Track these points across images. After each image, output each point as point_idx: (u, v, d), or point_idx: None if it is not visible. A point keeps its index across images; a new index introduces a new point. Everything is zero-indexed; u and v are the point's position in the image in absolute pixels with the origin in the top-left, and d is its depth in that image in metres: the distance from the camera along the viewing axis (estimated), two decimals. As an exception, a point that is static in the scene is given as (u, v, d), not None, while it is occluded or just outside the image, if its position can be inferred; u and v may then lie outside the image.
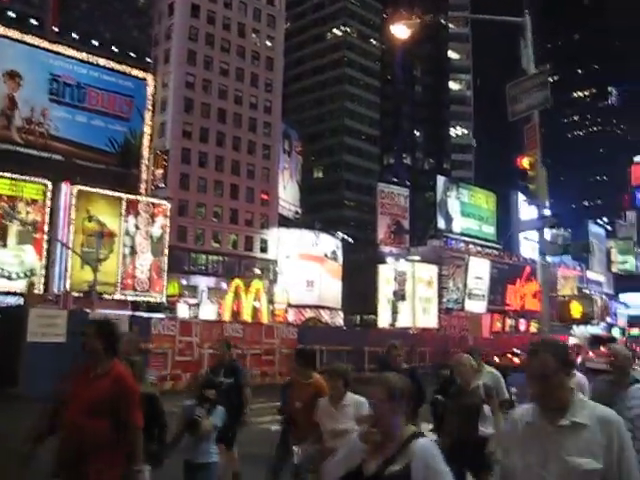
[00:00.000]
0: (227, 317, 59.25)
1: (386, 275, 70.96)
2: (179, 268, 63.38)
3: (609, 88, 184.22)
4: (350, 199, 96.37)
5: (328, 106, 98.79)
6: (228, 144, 70.77)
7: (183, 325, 23.83)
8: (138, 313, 33.19)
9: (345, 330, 43.07)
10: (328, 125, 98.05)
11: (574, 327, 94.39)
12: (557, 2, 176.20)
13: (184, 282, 63.28)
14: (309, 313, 72.48)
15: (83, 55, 56.26)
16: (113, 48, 67.74)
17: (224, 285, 64.77)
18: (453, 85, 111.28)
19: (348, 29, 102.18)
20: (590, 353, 47.58)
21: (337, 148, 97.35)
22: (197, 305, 61.83)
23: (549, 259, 10.69)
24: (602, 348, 46.18)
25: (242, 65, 73.15)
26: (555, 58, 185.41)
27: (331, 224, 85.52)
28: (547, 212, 10.66)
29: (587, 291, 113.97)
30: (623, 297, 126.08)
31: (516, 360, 42.32)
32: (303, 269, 71.95)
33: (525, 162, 10.43)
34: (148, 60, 68.20)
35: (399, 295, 60.68)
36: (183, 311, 59.44)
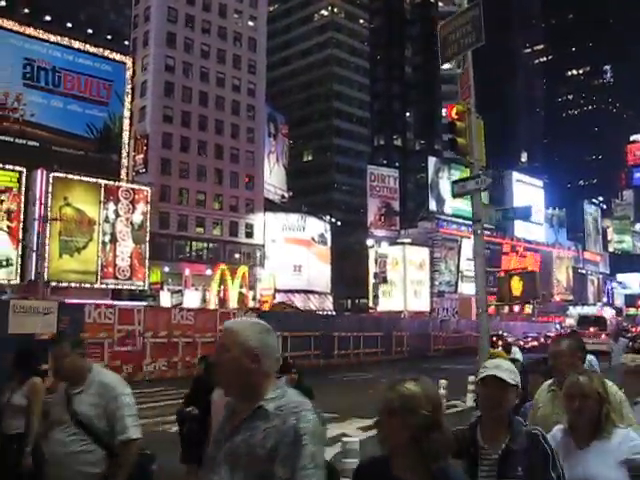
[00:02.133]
0: (213, 304, 58.25)
1: (388, 259, 69.69)
2: (162, 255, 62.12)
3: (604, 66, 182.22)
4: (340, 182, 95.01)
5: (316, 89, 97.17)
6: (211, 128, 69.24)
7: (122, 312, 22.15)
8: (75, 301, 31.57)
9: (315, 315, 41.73)
10: (317, 108, 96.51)
11: (570, 308, 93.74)
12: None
13: (167, 269, 61.92)
14: (297, 298, 71.33)
15: (57, 38, 54.70)
16: (89, 31, 66.04)
17: (209, 272, 63.43)
18: (443, 64, 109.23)
19: (335, 9, 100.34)
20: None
21: (327, 131, 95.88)
22: (180, 292, 60.46)
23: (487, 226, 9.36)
24: (591, 328, 45.15)
25: (224, 47, 71.45)
26: (550, 38, 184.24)
27: (321, 208, 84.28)
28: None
29: (583, 271, 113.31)
30: (620, 277, 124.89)
31: (500, 343, 41.06)
32: (290, 253, 70.76)
33: (454, 111, 9.08)
34: (126, 43, 66.51)
35: (380, 278, 59.39)
36: (166, 299, 58.13)
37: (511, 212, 9.75)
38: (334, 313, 66.85)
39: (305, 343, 27.13)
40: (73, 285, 51.89)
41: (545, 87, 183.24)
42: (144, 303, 46.26)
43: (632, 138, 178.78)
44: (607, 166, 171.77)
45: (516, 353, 12.13)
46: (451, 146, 9.05)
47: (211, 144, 69.06)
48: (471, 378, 16.69)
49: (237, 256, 68.51)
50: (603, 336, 40.32)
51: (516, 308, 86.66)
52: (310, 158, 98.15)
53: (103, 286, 54.40)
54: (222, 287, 62.46)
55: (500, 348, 12.15)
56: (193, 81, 68.25)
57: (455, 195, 9.68)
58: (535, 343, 48.17)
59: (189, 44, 68.37)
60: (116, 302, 38.98)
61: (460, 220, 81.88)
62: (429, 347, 35.25)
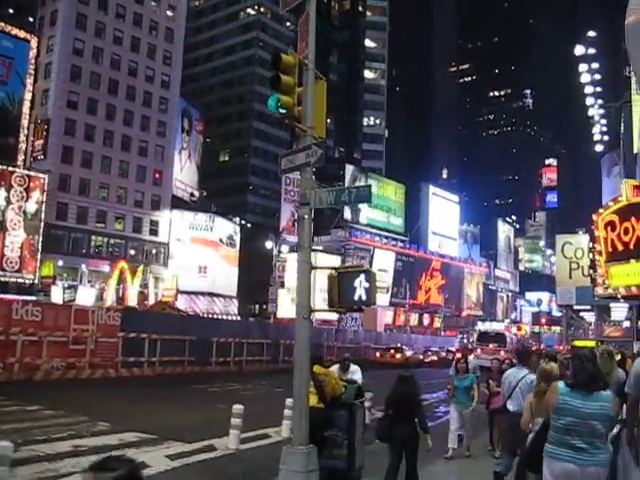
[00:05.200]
0: (110, 302, 55.15)
1: (287, 264, 67.87)
2: (57, 248, 58.53)
3: (524, 90, 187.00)
4: (256, 185, 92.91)
5: (238, 88, 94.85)
6: (119, 118, 65.85)
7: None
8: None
9: (193, 318, 39.34)
10: (237, 108, 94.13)
11: (479, 323, 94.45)
12: (478, 4, 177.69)
13: (61, 263, 58.27)
14: (201, 300, 68.87)
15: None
16: (-10, 4, 61.72)
17: (108, 268, 60.11)
18: (368, 74, 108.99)
19: (262, 9, 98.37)
20: (478, 350, 45.92)
21: (245, 132, 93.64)
22: (74, 288, 56.92)
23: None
24: (490, 345, 44.62)
25: (138, 34, 68.22)
26: (475, 58, 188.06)
27: (235, 209, 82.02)
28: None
29: (493, 288, 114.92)
30: (529, 295, 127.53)
31: (398, 356, 39.93)
32: (196, 254, 68.17)
33: (284, 61, 7.25)
34: (31, 20, 62.38)
35: (278, 283, 57.59)
36: (57, 295, 54.56)
37: (346, 194, 8.19)
38: (238, 318, 64.75)
39: (178, 348, 24.91)
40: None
41: (468, 106, 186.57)
42: (33, 298, 43.05)
43: (547, 162, 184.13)
44: (522, 187, 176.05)
45: (355, 373, 10.26)
46: (275, 105, 7.20)
47: (118, 135, 65.67)
48: (368, 394, 14.81)
49: (134, 253, 65.23)
50: (502, 353, 39.68)
51: (425, 321, 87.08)
52: (227, 158, 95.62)
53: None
54: (121, 285, 59.33)
55: (335, 366, 10.24)
56: (103, 67, 64.75)
57: (281, 172, 7.84)
58: (435, 358, 47.35)
59: (101, 28, 64.89)
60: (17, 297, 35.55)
61: (374, 230, 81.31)
62: (322, 357, 33.49)
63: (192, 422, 13.17)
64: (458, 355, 18.95)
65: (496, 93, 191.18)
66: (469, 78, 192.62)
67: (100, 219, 64.12)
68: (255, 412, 13.64)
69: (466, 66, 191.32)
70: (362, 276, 7.16)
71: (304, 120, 7.55)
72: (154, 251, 67.83)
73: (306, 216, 7.44)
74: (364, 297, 7.11)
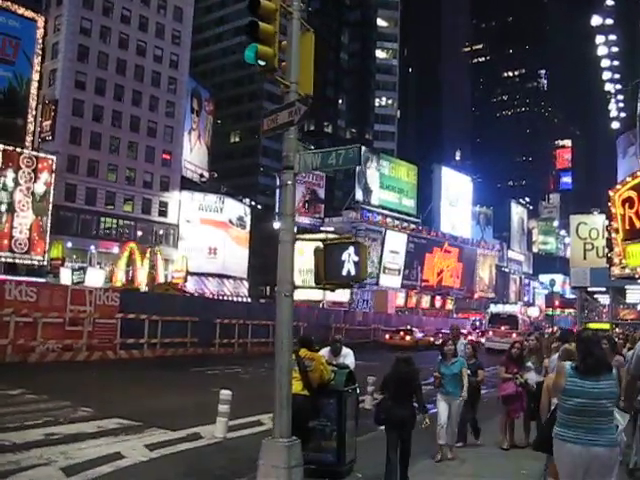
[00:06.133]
0: (119, 284, 54.82)
1: (298, 245, 67.09)
2: (66, 230, 58.23)
3: (539, 71, 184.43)
4: (267, 166, 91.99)
5: (248, 69, 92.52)
6: (127, 98, 65.14)
7: None
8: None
9: (196, 298, 38.59)
10: (248, 89, 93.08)
11: (491, 305, 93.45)
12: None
13: (70, 245, 57.91)
14: (211, 282, 68.46)
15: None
16: (-4, -18, 60.97)
17: (117, 250, 59.76)
18: (380, 54, 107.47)
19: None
20: (490, 332, 45.15)
21: (256, 113, 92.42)
22: (83, 270, 56.60)
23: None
24: (502, 327, 43.81)
25: (146, 13, 67.30)
26: (488, 39, 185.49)
27: (246, 191, 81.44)
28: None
29: (506, 270, 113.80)
30: (543, 277, 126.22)
31: (408, 338, 39.19)
32: (205, 235, 67.65)
33: (263, 7, 6.42)
34: (38, -1, 61.66)
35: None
36: (66, 276, 54.27)
37: (334, 156, 7.49)
38: (248, 300, 64.23)
39: (180, 329, 24.30)
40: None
41: (481, 87, 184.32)
42: (42, 280, 42.71)
43: (561, 143, 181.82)
44: (536, 168, 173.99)
45: (347, 356, 9.36)
46: (254, 56, 6.42)
47: (127, 115, 64.99)
48: (371, 379, 14.16)
49: (144, 235, 64.70)
50: (514, 335, 38.89)
51: (437, 304, 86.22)
52: (237, 140, 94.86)
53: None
54: (131, 267, 58.99)
55: (326, 349, 9.35)
56: (111, 47, 63.95)
57: (263, 132, 7.09)
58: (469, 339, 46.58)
59: (108, 7, 63.99)
60: (9, 277, 35.12)
61: (386, 212, 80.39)
62: (328, 339, 32.76)
63: (182, 407, 12.53)
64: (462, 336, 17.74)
65: (510, 73, 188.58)
66: (483, 58, 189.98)
67: (109, 200, 63.66)
68: (251, 396, 13.02)
69: (480, 46, 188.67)
70: (351, 249, 6.40)
71: (288, 75, 6.79)
72: (162, 232, 67.32)
73: (289, 181, 6.71)
74: (353, 272, 6.36)
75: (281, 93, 6.99)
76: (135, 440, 9.21)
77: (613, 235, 17.14)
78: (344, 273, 6.42)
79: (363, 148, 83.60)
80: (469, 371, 9.84)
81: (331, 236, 64.55)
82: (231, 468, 8.27)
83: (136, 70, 66.18)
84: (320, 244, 6.73)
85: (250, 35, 6.54)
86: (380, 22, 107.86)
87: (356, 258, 6.35)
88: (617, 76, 35.26)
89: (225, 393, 9.79)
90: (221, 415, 9.76)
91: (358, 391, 8.06)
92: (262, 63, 6.58)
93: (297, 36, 6.80)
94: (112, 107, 63.83)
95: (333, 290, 7.17)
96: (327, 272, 6.52)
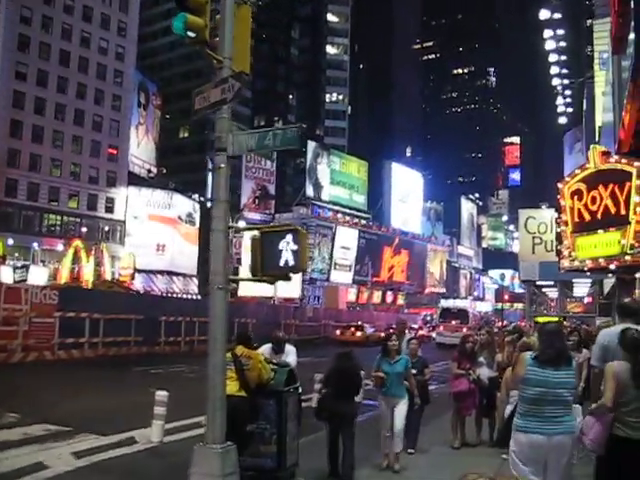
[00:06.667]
0: (64, 281, 53.17)
1: (247, 242, 66.40)
2: (7, 226, 56.25)
3: (488, 68, 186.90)
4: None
5: (197, 63, 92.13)
6: (71, 91, 63.31)
7: None
8: None
9: (140, 296, 37.72)
10: (197, 83, 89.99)
11: (442, 300, 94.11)
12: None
13: (11, 242, 55.98)
14: (160, 279, 67.20)
15: None
16: None
17: (61, 247, 58.04)
18: (330, 49, 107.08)
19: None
20: (441, 327, 45.18)
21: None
22: (25, 268, 54.76)
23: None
24: (453, 321, 43.88)
25: (90, 3, 65.48)
26: (439, 36, 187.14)
27: (195, 187, 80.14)
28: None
29: (456, 265, 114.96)
30: (492, 272, 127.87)
31: (358, 334, 38.86)
32: (153, 232, 66.33)
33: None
34: (-26, -13, 59.37)
35: (235, 260, 56.17)
36: (7, 275, 52.32)
37: (271, 136, 6.98)
38: (198, 297, 63.22)
39: (124, 328, 23.40)
40: None
41: (431, 84, 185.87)
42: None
43: (509, 140, 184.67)
44: (486, 165, 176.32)
45: (289, 354, 8.73)
46: (182, 27, 5.83)
47: (71, 109, 63.18)
48: (318, 376, 13.55)
49: (90, 231, 63.03)
50: (465, 329, 38.96)
51: (389, 299, 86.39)
52: (186, 135, 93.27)
53: None
54: (76, 264, 57.31)
55: (266, 347, 8.69)
56: (53, 38, 62.05)
57: (195, 112, 6.54)
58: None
59: (50, -5, 62.10)
60: None
61: (337, 207, 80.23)
62: (248, 337, 32.06)
63: (118, 410, 11.81)
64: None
65: (460, 71, 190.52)
66: (433, 55, 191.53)
67: (53, 196, 61.83)
68: (193, 397, 12.30)
69: (430, 43, 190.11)
70: (289, 236, 5.86)
71: (221, 49, 6.23)
72: (109, 229, 65.75)
73: (223, 164, 6.17)
74: (292, 262, 5.82)
75: (215, 69, 6.40)
76: (63, 447, 8.51)
77: (562, 228, 17.03)
78: (282, 263, 5.89)
79: (313, 144, 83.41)
80: (414, 370, 8.94)
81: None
82: (166, 475, 7.69)
83: (80, 62, 64.40)
84: (257, 233, 6.19)
85: (178, 3, 5.94)
86: (331, 17, 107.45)
87: (295, 247, 5.82)
88: (565, 71, 35.65)
89: (161, 394, 9.18)
90: (157, 418, 9.14)
91: (300, 390, 7.55)
92: (192, 35, 6.00)
93: (231, 8, 6.23)
94: (55, 100, 61.95)
95: (272, 283, 6.62)
96: (264, 263, 5.99)
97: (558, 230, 17.50)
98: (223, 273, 5.99)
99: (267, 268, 5.96)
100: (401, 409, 8.29)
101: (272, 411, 6.73)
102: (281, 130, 6.08)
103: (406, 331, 12.53)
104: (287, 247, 5.83)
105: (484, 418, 9.87)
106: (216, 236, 6.06)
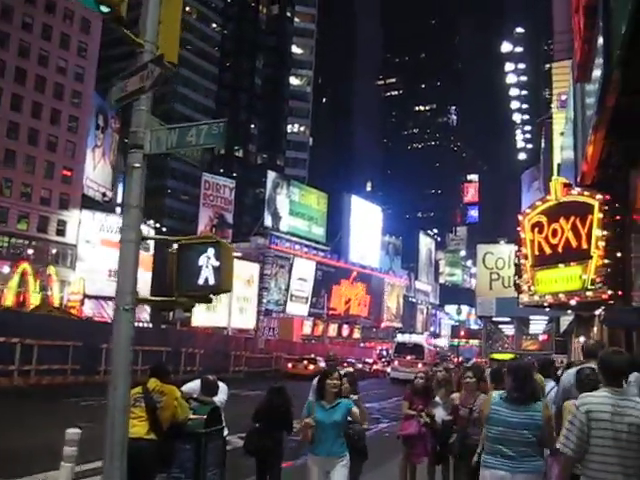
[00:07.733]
0: (9, 304, 51.18)
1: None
2: (-51, 246, 54.10)
3: (449, 107, 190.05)
4: (175, 188, 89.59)
5: (160, 88, 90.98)
6: (26, 110, 61.61)
7: None
8: None
9: (80, 322, 36.07)
10: (158, 108, 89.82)
11: (398, 335, 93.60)
12: (407, 20, 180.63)
13: (-47, 263, 53.84)
14: (110, 305, 65.02)
15: None
16: None
17: (7, 269, 55.98)
18: (294, 80, 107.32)
19: (187, 8, 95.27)
20: (395, 362, 44.36)
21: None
22: (-33, 290, 52.65)
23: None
24: (408, 357, 43.09)
25: (50, 22, 64.18)
26: (401, 73, 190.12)
27: (152, 213, 78.43)
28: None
29: (413, 300, 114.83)
30: (448, 308, 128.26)
31: (311, 367, 37.76)
32: (106, 257, 64.27)
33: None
34: None
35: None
36: (-53, 296, 50.23)
37: (194, 132, 6.26)
38: (149, 325, 61.43)
39: (60, 355, 22.05)
40: None
41: (393, 119, 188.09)
42: None
43: (469, 177, 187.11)
44: (445, 201, 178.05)
45: (220, 392, 7.42)
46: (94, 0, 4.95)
47: (25, 127, 61.45)
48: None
49: (39, 254, 60.94)
50: (420, 365, 38.23)
51: (345, 332, 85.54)
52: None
53: None
54: (23, 288, 55.31)
55: (193, 383, 7.45)
56: (9, 54, 60.47)
57: (113, 104, 5.59)
58: (351, 369, 45.55)
59: (8, 11, 60.45)
60: None
61: (295, 239, 79.49)
62: (227, 368, 30.99)
63: (30, 448, 10.60)
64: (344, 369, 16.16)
65: (422, 108, 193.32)
66: (395, 92, 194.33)
67: (1, 217, 59.75)
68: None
69: (393, 80, 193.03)
70: (210, 250, 4.92)
71: (143, 32, 5.35)
72: (59, 252, 63.71)
73: (137, 164, 5.26)
74: (212, 281, 4.87)
75: (135, 54, 5.50)
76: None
77: (522, 261, 16.45)
78: (200, 282, 4.94)
79: (274, 174, 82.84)
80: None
81: (237, 261, 62.95)
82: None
83: (37, 80, 62.84)
84: (175, 246, 5.25)
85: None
86: (295, 49, 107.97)
87: (216, 263, 4.89)
88: (525, 106, 35.78)
89: (72, 432, 8.03)
90: (66, 460, 7.99)
91: (226, 432, 6.56)
92: (105, 10, 5.11)
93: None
94: (8, 117, 60.17)
95: (188, 307, 5.57)
96: (179, 281, 5.05)
97: (517, 263, 16.88)
98: (132, 292, 5.03)
99: (182, 287, 5.02)
100: (339, 474, 6.09)
101: (188, 458, 5.73)
102: (206, 125, 5.21)
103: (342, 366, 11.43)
104: (208, 263, 4.90)
105: (437, 466, 8.79)
106: (126, 247, 5.10)
